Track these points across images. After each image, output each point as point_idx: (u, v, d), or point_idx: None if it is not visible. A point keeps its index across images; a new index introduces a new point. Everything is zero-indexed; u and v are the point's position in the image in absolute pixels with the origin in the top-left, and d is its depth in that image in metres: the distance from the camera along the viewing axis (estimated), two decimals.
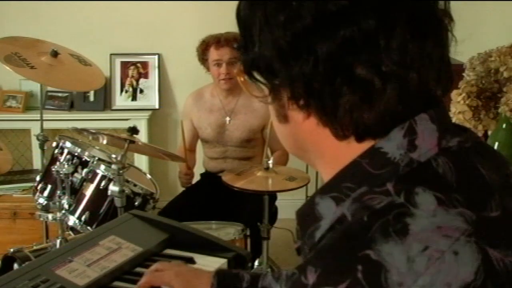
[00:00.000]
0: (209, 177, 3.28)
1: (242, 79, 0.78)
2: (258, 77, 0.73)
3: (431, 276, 0.58)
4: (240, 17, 0.75)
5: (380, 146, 0.68)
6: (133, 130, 2.48)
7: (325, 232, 0.69)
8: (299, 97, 0.69)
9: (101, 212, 2.59)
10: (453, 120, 2.01)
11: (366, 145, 0.69)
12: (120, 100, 4.18)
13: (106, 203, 2.58)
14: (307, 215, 0.73)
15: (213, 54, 3.08)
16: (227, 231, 2.69)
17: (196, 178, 3.38)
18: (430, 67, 0.68)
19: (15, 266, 2.13)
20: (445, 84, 0.71)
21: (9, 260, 2.22)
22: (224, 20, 3.24)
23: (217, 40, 3.07)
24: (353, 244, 0.62)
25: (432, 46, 0.68)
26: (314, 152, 0.75)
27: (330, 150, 0.72)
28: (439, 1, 0.70)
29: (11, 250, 2.28)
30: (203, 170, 3.40)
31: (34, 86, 3.97)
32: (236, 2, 0.75)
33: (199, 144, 3.37)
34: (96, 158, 2.69)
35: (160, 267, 1.35)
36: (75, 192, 2.66)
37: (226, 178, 2.75)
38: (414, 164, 0.67)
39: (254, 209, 2.84)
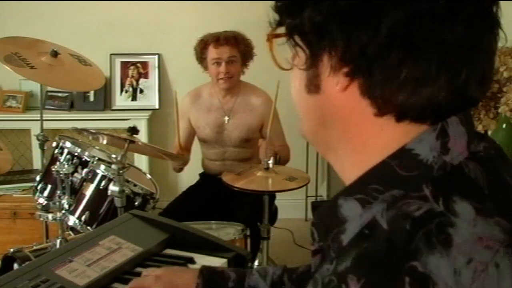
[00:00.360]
0: (207, 179, 3.27)
1: (270, 45, 0.75)
2: (298, 41, 0.70)
3: None
4: None
5: (412, 147, 0.66)
6: (133, 130, 2.48)
7: (354, 236, 0.67)
8: (349, 63, 0.66)
9: (101, 212, 2.59)
10: None
11: (400, 132, 0.67)
12: (120, 100, 4.18)
13: (106, 203, 2.58)
14: (329, 216, 0.71)
15: (212, 52, 3.04)
16: (227, 231, 2.69)
17: (196, 178, 3.37)
18: (477, 66, 0.66)
19: (15, 266, 2.13)
20: (484, 88, 0.69)
21: (9, 260, 2.22)
22: (224, 19, 3.29)
23: (216, 39, 3.03)
24: (398, 255, 0.60)
25: (485, 44, 0.66)
26: (339, 130, 0.72)
27: (358, 128, 0.70)
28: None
29: (11, 250, 2.28)
30: (202, 170, 3.39)
31: (34, 86, 3.97)
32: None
33: (197, 145, 3.36)
34: (96, 158, 2.69)
35: (145, 273, 1.35)
36: (75, 192, 2.66)
37: (226, 178, 2.75)
38: (448, 167, 0.65)
39: (254, 209, 2.84)
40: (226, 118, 3.16)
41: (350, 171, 0.73)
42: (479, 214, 0.61)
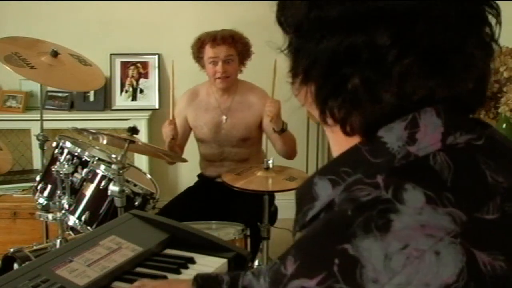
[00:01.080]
0: (205, 181, 3.25)
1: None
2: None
3: (407, 275, 0.58)
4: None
5: (381, 135, 0.68)
6: (133, 130, 2.48)
7: (317, 213, 0.70)
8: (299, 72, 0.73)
9: (101, 212, 2.59)
10: None
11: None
12: (120, 100, 4.18)
13: (106, 203, 2.58)
14: (305, 194, 0.73)
15: (209, 52, 3.01)
16: (227, 231, 2.69)
17: (194, 179, 3.36)
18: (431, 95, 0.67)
19: (15, 266, 2.13)
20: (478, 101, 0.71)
21: (9, 260, 2.22)
22: (224, 19, 3.29)
23: (213, 38, 3.01)
24: (333, 237, 0.62)
25: (444, 81, 0.67)
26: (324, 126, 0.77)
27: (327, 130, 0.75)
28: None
29: (11, 250, 2.28)
30: (199, 171, 3.38)
31: (34, 86, 3.97)
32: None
33: (195, 147, 3.35)
34: (96, 158, 2.70)
35: (138, 284, 1.36)
36: (75, 192, 2.66)
37: (226, 178, 2.76)
38: (411, 157, 0.66)
39: (254, 209, 2.84)
40: (224, 117, 3.14)
41: (333, 151, 0.77)
42: (429, 203, 0.62)
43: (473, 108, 0.72)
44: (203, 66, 3.13)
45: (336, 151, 0.74)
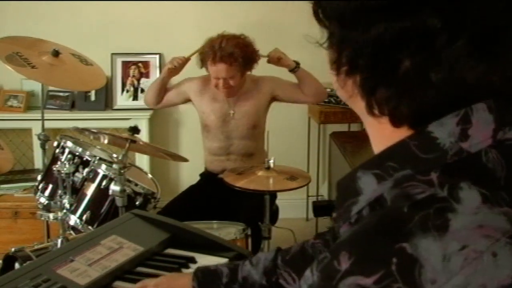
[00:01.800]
0: (208, 178, 3.26)
1: None
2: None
3: (465, 276, 0.57)
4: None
5: (432, 130, 0.66)
6: (134, 130, 2.48)
7: (362, 208, 0.69)
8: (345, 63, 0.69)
9: (102, 212, 2.60)
10: None
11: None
12: (121, 99, 4.18)
13: (107, 202, 2.58)
14: (347, 187, 0.72)
15: (210, 67, 3.01)
16: (228, 231, 2.69)
17: (196, 178, 3.37)
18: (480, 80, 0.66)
19: (16, 265, 2.13)
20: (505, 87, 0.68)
21: (10, 259, 2.22)
22: (226, 19, 3.29)
23: (213, 56, 2.95)
24: (390, 235, 0.61)
25: (493, 65, 0.66)
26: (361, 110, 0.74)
27: (370, 125, 0.73)
28: None
29: (12, 249, 2.28)
30: (202, 170, 3.39)
31: (35, 86, 3.97)
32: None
33: (198, 145, 3.35)
34: (97, 158, 2.70)
35: (140, 285, 1.37)
36: (76, 192, 2.66)
37: (227, 178, 2.76)
38: (464, 154, 0.65)
39: (255, 209, 2.84)
40: (232, 112, 3.16)
41: (374, 145, 0.75)
42: (485, 203, 0.61)
43: None
44: (207, 69, 3.13)
45: (378, 146, 0.72)
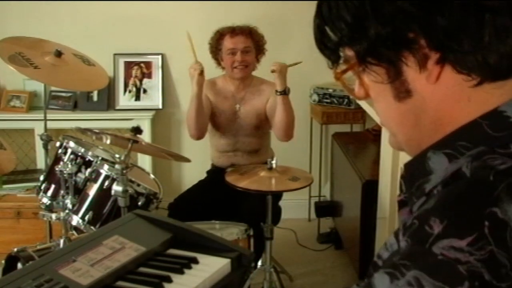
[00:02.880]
0: (216, 173, 3.27)
1: (342, 83, 0.78)
2: (373, 61, 0.72)
3: None
4: (339, 13, 0.72)
5: (504, 109, 0.68)
6: (137, 130, 2.49)
7: (437, 185, 0.70)
8: (438, 50, 0.67)
9: (104, 212, 2.60)
10: None
11: (487, 96, 0.69)
12: (124, 100, 4.19)
13: (109, 203, 2.58)
14: (417, 168, 0.73)
15: (228, 42, 3.14)
16: (231, 231, 2.70)
17: (203, 175, 3.38)
18: None
19: (19, 265, 2.14)
20: None
21: (13, 259, 2.23)
22: (228, 19, 3.28)
23: (232, 30, 3.15)
24: (479, 200, 0.63)
25: None
26: (433, 122, 0.73)
27: (450, 111, 0.71)
28: None
29: (15, 249, 2.29)
30: (209, 167, 3.40)
31: (38, 86, 3.98)
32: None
33: (203, 143, 3.36)
34: (100, 158, 2.70)
35: None
36: (79, 192, 2.67)
37: (229, 178, 2.76)
38: None
39: (258, 209, 2.84)
40: (238, 106, 3.22)
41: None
42: None
43: None
44: (218, 60, 3.22)
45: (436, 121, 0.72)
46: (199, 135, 3.19)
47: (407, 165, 0.76)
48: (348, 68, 0.75)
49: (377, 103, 0.77)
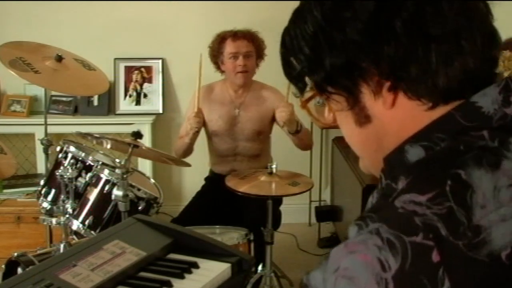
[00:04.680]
0: (214, 181, 3.27)
1: (307, 110, 0.83)
2: (331, 90, 0.75)
3: None
4: (296, 44, 0.76)
5: (475, 100, 0.70)
6: (137, 135, 2.49)
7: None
8: (387, 78, 0.71)
9: (105, 217, 2.59)
10: None
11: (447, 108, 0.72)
12: (124, 104, 4.19)
13: (110, 207, 2.58)
14: (395, 161, 0.75)
15: (230, 46, 3.11)
16: (231, 236, 2.69)
17: (199, 183, 3.37)
18: (485, 26, 0.72)
19: (19, 270, 2.13)
20: (496, 46, 0.74)
21: (13, 264, 2.23)
22: (229, 24, 3.29)
23: (234, 33, 3.13)
24: (447, 163, 0.66)
25: (481, 7, 0.72)
26: (394, 144, 0.75)
27: (416, 128, 0.73)
28: None
29: (15, 254, 2.29)
30: (205, 175, 3.39)
31: (38, 91, 3.98)
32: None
33: (202, 149, 3.35)
34: (100, 163, 2.70)
35: None
36: (79, 197, 2.66)
37: (230, 183, 2.76)
38: (508, 118, 0.70)
39: (258, 214, 2.84)
40: (237, 111, 3.20)
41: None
42: None
43: None
44: (219, 65, 3.18)
45: (405, 135, 0.74)
46: (185, 158, 3.22)
47: (386, 159, 0.77)
48: (312, 96, 0.79)
49: (342, 129, 0.81)
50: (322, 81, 0.75)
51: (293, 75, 0.79)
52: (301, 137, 3.08)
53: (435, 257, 0.61)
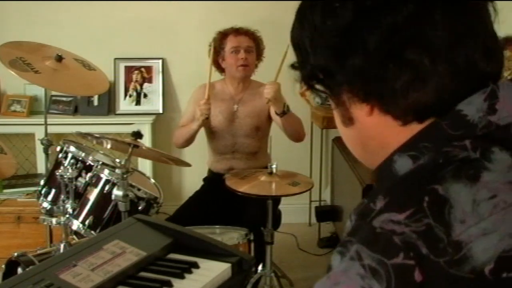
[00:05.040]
0: (213, 180, 3.27)
1: (306, 97, 0.83)
2: (319, 87, 0.77)
3: (494, 222, 0.61)
4: (293, 37, 0.79)
5: (461, 108, 0.70)
6: (137, 135, 2.49)
7: None
8: (358, 91, 0.73)
9: (105, 217, 2.59)
10: None
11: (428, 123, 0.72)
12: (124, 104, 4.19)
13: (110, 207, 2.58)
14: (384, 172, 0.75)
15: (232, 41, 3.17)
16: (231, 236, 2.69)
17: (198, 184, 3.37)
18: (475, 43, 0.70)
19: (19, 270, 2.14)
20: (495, 59, 0.72)
21: (13, 264, 2.23)
22: (228, 25, 3.29)
23: (236, 30, 3.21)
24: (423, 179, 0.65)
25: (474, 21, 0.70)
26: (381, 149, 0.76)
27: (395, 139, 0.74)
28: None
29: (15, 254, 2.29)
30: (205, 175, 3.40)
31: (38, 91, 3.98)
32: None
33: (201, 149, 3.36)
34: (100, 163, 2.70)
35: None
36: (79, 197, 2.66)
37: (229, 182, 2.75)
38: (493, 126, 0.69)
39: (258, 214, 2.84)
40: (236, 106, 3.23)
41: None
42: None
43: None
44: (219, 62, 3.21)
45: (392, 147, 0.75)
46: (184, 147, 3.34)
47: (376, 170, 0.78)
48: (307, 88, 0.81)
49: (337, 124, 0.83)
50: (308, 75, 0.77)
51: (294, 66, 0.81)
52: (289, 121, 3.09)
53: (418, 276, 0.60)
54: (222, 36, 3.21)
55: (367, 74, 0.70)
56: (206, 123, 3.14)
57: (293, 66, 0.80)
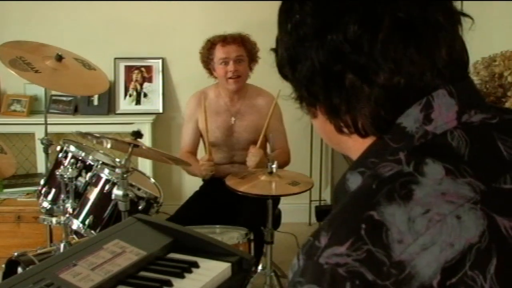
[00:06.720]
0: (213, 180, 3.26)
1: None
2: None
3: (431, 236, 0.62)
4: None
5: (401, 121, 0.73)
6: (137, 134, 2.49)
7: None
8: (303, 98, 0.78)
9: (105, 216, 2.60)
10: None
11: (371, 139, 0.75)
12: (124, 104, 4.19)
13: (110, 207, 2.58)
14: (340, 190, 0.78)
15: (220, 52, 3.05)
16: (231, 235, 2.69)
17: (198, 184, 3.36)
18: (417, 70, 0.71)
19: (19, 269, 2.14)
20: (451, 72, 0.73)
21: (13, 264, 2.23)
22: (228, 23, 3.29)
23: (223, 38, 3.07)
24: (359, 207, 0.67)
25: (420, 49, 0.71)
26: (339, 144, 0.81)
27: (347, 140, 0.79)
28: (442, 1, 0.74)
29: (15, 254, 2.29)
30: None
31: (38, 90, 3.98)
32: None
33: (202, 148, 3.35)
34: (100, 162, 2.70)
35: None
36: (79, 196, 2.66)
37: (230, 182, 2.75)
38: (429, 136, 0.71)
39: (258, 213, 2.83)
40: (233, 119, 3.16)
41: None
42: (448, 174, 0.67)
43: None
44: (210, 71, 3.15)
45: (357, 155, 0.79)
46: None
47: (334, 189, 0.81)
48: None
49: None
50: (279, 66, 0.82)
51: (273, 49, 0.85)
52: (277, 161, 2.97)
53: None
54: (209, 46, 3.10)
55: (311, 87, 0.75)
56: (209, 177, 3.12)
57: (272, 49, 0.84)
